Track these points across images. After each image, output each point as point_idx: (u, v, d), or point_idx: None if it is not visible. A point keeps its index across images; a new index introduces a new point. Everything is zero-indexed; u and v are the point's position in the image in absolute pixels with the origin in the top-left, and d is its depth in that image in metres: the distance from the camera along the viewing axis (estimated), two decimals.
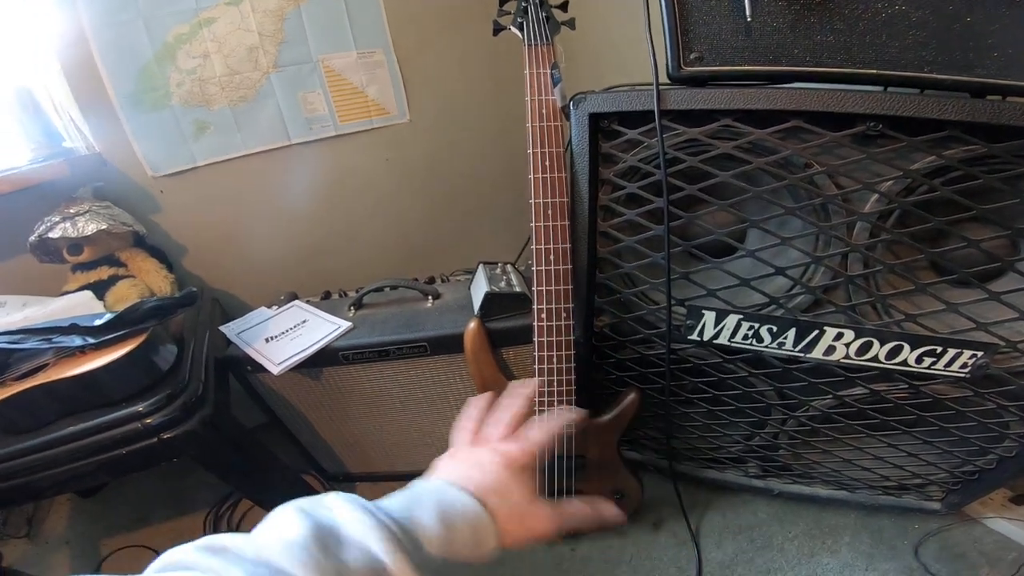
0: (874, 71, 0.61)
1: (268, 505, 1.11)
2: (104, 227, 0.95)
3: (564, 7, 0.79)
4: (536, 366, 0.80)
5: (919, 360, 0.71)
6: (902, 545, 0.96)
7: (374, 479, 1.22)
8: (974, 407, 0.76)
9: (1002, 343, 0.67)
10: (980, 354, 0.68)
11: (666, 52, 0.68)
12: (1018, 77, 0.57)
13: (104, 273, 1.00)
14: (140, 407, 0.73)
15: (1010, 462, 0.82)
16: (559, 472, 0.90)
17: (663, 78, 0.69)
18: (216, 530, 1.13)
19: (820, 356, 0.75)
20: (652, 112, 0.68)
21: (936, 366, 0.71)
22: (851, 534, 0.99)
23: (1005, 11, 0.55)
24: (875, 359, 0.73)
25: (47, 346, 0.75)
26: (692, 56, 0.67)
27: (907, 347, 0.70)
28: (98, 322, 0.76)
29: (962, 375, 0.71)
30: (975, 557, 0.93)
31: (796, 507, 1.05)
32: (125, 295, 0.97)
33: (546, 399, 0.83)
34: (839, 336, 0.72)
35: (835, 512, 1.03)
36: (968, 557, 0.93)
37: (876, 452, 0.89)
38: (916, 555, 0.94)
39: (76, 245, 0.98)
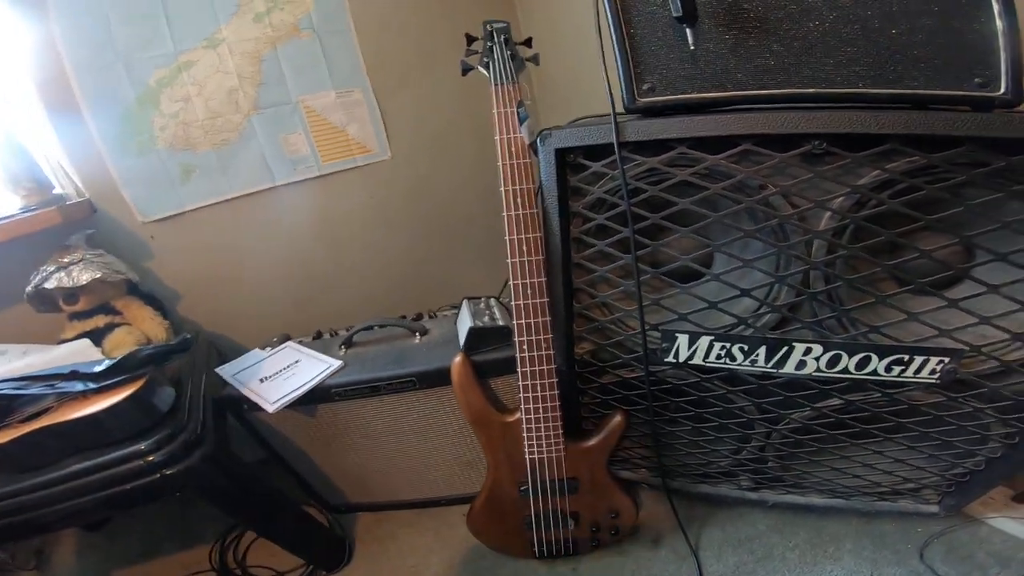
0: (812, 90, 0.66)
1: (272, 536, 1.18)
2: (98, 276, 1.02)
3: (528, 43, 0.85)
4: (521, 395, 0.86)
5: (888, 369, 0.75)
6: (906, 549, 0.98)
7: (375, 509, 1.27)
8: (951, 411, 0.79)
9: (966, 348, 0.71)
10: (947, 360, 0.72)
11: (620, 84, 0.73)
12: (946, 86, 0.61)
13: (100, 321, 1.07)
14: (142, 445, 0.79)
15: (998, 462, 0.85)
16: (552, 494, 0.95)
17: (621, 109, 0.75)
18: (222, 561, 1.18)
19: (793, 371, 0.79)
20: (613, 144, 0.73)
21: (906, 374, 0.75)
22: (853, 541, 1.01)
23: (926, 22, 0.60)
24: (846, 371, 0.77)
25: (50, 391, 0.82)
26: (645, 87, 0.73)
27: (875, 357, 0.74)
28: (98, 368, 0.83)
29: (933, 381, 0.75)
30: (983, 558, 0.94)
31: (795, 517, 1.08)
32: (122, 342, 1.04)
33: (534, 426, 0.88)
34: (808, 351, 0.77)
35: (835, 520, 1.05)
36: (976, 558, 0.94)
37: (863, 460, 0.93)
38: (921, 558, 0.95)
39: (72, 295, 1.04)
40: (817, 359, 0.77)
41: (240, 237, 1.30)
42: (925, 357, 0.72)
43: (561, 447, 0.90)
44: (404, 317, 1.17)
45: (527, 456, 0.91)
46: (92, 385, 0.81)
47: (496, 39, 0.80)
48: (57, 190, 1.12)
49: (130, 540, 1.29)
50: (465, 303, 1.09)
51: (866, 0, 0.62)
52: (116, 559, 1.24)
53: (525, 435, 0.89)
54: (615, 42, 0.72)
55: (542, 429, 0.88)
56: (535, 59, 0.85)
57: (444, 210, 1.54)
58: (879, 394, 0.80)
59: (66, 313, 1.06)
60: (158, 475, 0.80)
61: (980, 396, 0.77)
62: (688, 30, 0.67)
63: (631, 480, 1.14)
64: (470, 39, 0.83)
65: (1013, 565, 0.92)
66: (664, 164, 0.74)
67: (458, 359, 0.92)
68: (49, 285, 0.99)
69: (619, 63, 0.72)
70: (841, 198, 0.69)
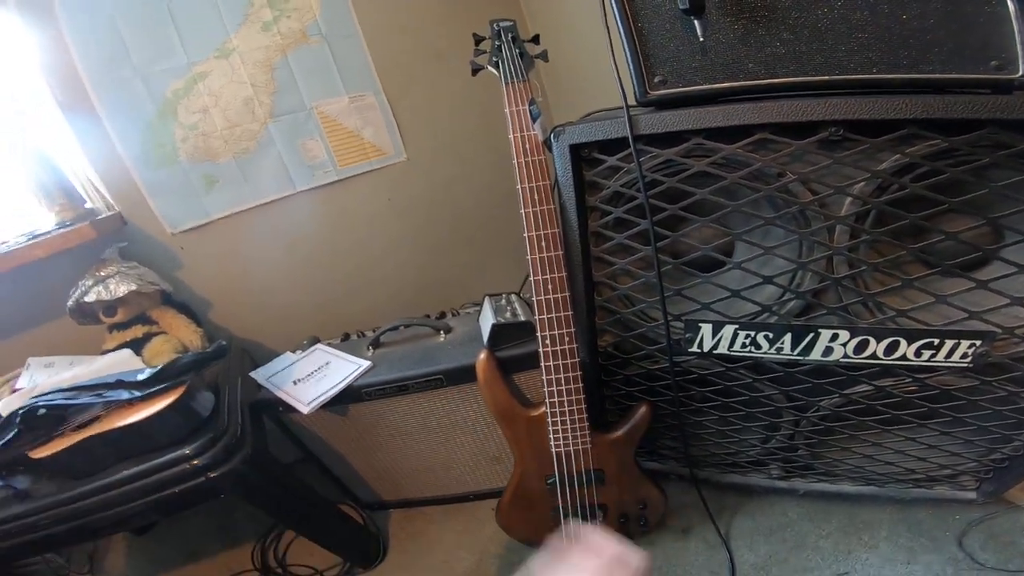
0: (825, 76, 0.67)
1: (310, 535, 1.23)
2: (134, 287, 1.08)
3: (536, 40, 0.86)
4: (545, 388, 0.88)
5: (918, 353, 0.75)
6: (943, 536, 0.98)
7: (406, 505, 1.32)
8: (985, 395, 0.79)
9: (999, 330, 0.71)
10: (979, 343, 0.72)
11: (631, 78, 0.75)
12: (963, 69, 0.61)
13: (139, 331, 1.13)
14: (187, 450, 0.84)
15: None
16: (579, 486, 0.98)
17: (633, 102, 0.76)
18: (264, 560, 1.25)
19: (819, 357, 0.80)
20: (627, 138, 0.75)
21: (936, 358, 0.75)
22: (888, 528, 1.02)
23: (936, 6, 0.60)
24: (874, 356, 0.77)
25: (98, 400, 0.88)
26: (656, 79, 0.74)
27: (904, 342, 0.75)
28: (141, 377, 0.89)
29: (965, 365, 0.75)
30: None
31: (827, 505, 1.08)
32: (160, 350, 1.10)
33: (559, 419, 0.91)
34: (835, 337, 0.78)
35: (869, 508, 1.06)
36: (1018, 545, 0.93)
37: (895, 446, 0.93)
38: (960, 545, 0.95)
39: (110, 307, 1.10)
40: (844, 345, 0.78)
41: (265, 244, 1.35)
42: (956, 340, 0.73)
43: (587, 439, 0.92)
44: (428, 316, 1.21)
45: (553, 449, 0.94)
46: (137, 393, 0.87)
47: (504, 38, 0.82)
48: (88, 204, 1.18)
49: (176, 543, 1.36)
50: (487, 300, 1.12)
51: None
52: (163, 562, 1.32)
53: (551, 428, 0.92)
54: (623, 36, 0.73)
55: (567, 422, 0.91)
56: (543, 56, 0.86)
57: (461, 208, 1.57)
58: (909, 379, 0.80)
59: (106, 325, 1.13)
60: (204, 478, 0.85)
61: (1015, 379, 0.77)
62: (696, 22, 0.68)
63: (659, 471, 1.17)
64: (478, 39, 0.85)
65: None
66: (680, 155, 0.75)
67: (483, 356, 0.96)
68: (89, 299, 1.05)
69: (628, 57, 0.74)
70: (862, 183, 0.69)
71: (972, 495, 0.98)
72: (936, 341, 0.74)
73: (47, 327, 1.18)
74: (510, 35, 0.83)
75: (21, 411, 0.85)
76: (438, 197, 1.52)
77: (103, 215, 1.17)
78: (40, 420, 0.86)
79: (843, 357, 0.79)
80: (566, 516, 1.02)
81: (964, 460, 0.92)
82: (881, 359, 0.77)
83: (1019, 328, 0.72)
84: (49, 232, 1.09)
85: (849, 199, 0.71)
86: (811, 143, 0.69)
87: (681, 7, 0.67)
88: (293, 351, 1.21)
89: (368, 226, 1.46)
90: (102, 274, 1.08)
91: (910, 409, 0.85)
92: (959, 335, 0.72)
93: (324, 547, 1.13)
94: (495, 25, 0.84)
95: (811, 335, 0.78)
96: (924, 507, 1.04)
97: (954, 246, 0.69)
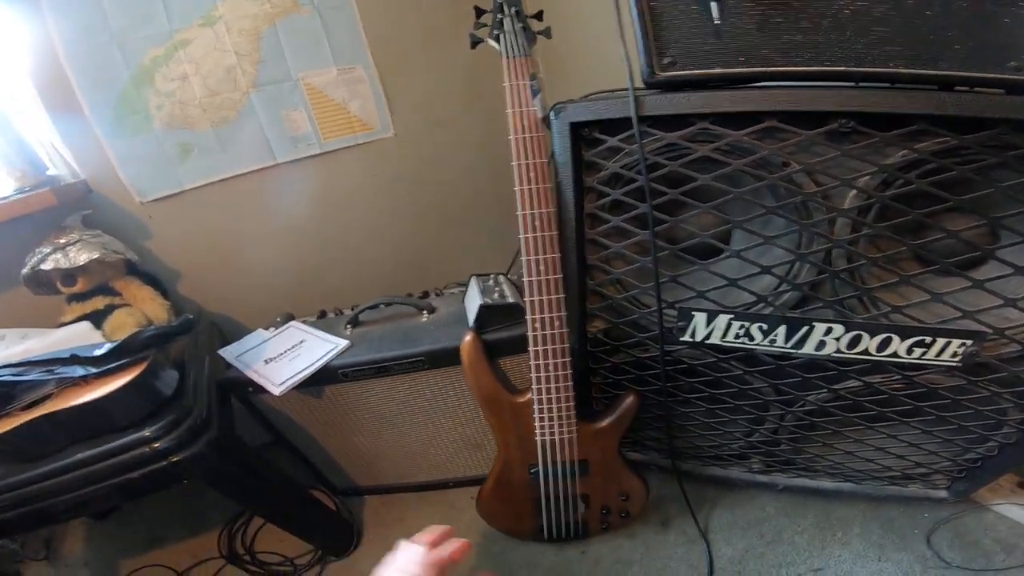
0: (842, 68, 0.65)
1: (280, 522, 1.17)
2: (96, 256, 1.00)
3: (539, 16, 0.82)
4: (533, 374, 0.85)
5: (909, 351, 0.74)
6: (913, 534, 0.99)
7: (382, 492, 1.27)
8: (969, 395, 0.79)
9: (990, 331, 0.71)
10: (969, 342, 0.71)
11: (640, 58, 0.71)
12: (981, 68, 0.59)
13: (100, 303, 1.05)
14: (147, 432, 0.78)
15: (1011, 448, 0.85)
16: (562, 477, 0.95)
17: (639, 83, 0.73)
18: (231, 547, 1.18)
19: (812, 351, 0.78)
20: (631, 118, 0.71)
21: (927, 356, 0.74)
22: (861, 525, 1.03)
23: (962, 4, 0.58)
24: (866, 352, 0.76)
25: (50, 377, 0.80)
26: (665, 61, 0.71)
27: (896, 339, 0.74)
28: (98, 352, 0.81)
29: (954, 364, 0.74)
30: (989, 544, 0.95)
31: (803, 500, 1.09)
32: (122, 324, 1.02)
33: (545, 407, 0.87)
34: (829, 331, 0.76)
35: (843, 504, 1.06)
36: (982, 544, 0.95)
37: (876, 443, 0.93)
38: (928, 543, 0.96)
39: (70, 276, 1.02)
40: (837, 339, 0.76)
41: (241, 216, 1.28)
42: (948, 339, 0.72)
43: (573, 428, 0.89)
44: (410, 295, 1.16)
45: (538, 438, 0.91)
46: (93, 370, 0.79)
47: (507, 11, 0.78)
48: (51, 171, 1.10)
49: (138, 528, 1.29)
50: (474, 280, 1.07)
51: None
52: (125, 547, 1.24)
53: (536, 416, 0.89)
54: (635, 16, 0.69)
55: (554, 410, 0.87)
56: (547, 32, 0.82)
57: (448, 187, 1.52)
58: (898, 376, 0.80)
59: (64, 295, 1.05)
60: (165, 462, 0.79)
61: (999, 380, 0.77)
62: (713, 4, 0.65)
63: (640, 461, 1.15)
64: (479, 11, 0.81)
65: (1018, 552, 0.93)
66: (684, 139, 0.72)
67: (468, 338, 0.91)
68: (46, 266, 0.97)
69: (639, 37, 0.70)
70: (867, 177, 0.67)
71: (943, 494, 0.99)
72: (928, 339, 0.73)
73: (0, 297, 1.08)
74: (513, 9, 0.79)
75: None
76: (424, 175, 1.47)
77: (66, 182, 1.09)
78: None
79: (835, 352, 0.77)
80: (548, 506, 0.99)
81: (940, 459, 0.93)
82: (873, 355, 0.76)
83: (1009, 329, 0.71)
84: (6, 197, 1.01)
85: (853, 192, 0.69)
86: (819, 134, 0.67)
87: None
88: (266, 328, 1.14)
89: (350, 201, 1.40)
90: (62, 241, 1.00)
91: (894, 406, 0.84)
92: (951, 334, 0.72)
93: (295, 535, 1.07)
94: None
95: (805, 328, 0.77)
96: (896, 505, 1.05)
97: (952, 244, 0.68)
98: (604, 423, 0.92)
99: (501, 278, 1.07)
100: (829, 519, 1.05)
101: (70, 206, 1.06)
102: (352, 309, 1.12)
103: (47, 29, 1.01)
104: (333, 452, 1.17)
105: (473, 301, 1.00)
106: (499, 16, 0.79)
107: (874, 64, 0.63)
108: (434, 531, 0.62)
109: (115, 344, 0.82)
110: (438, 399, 1.05)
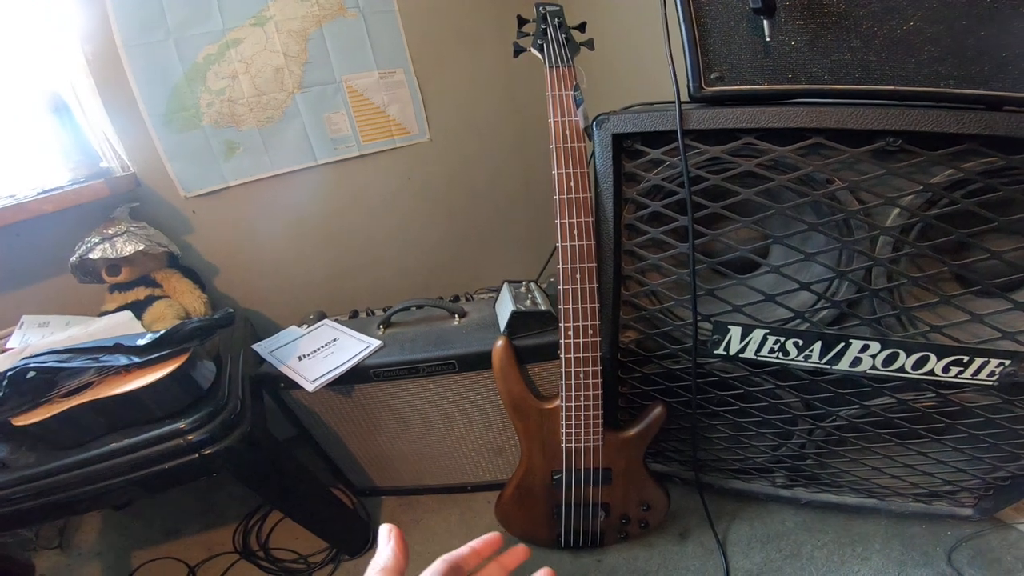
0: (891, 87, 0.64)
1: (299, 518, 1.14)
2: (141, 248, 1.01)
3: (582, 28, 0.82)
4: (563, 381, 0.84)
5: (946, 370, 0.73)
6: (934, 552, 0.97)
7: (400, 493, 1.26)
8: (1003, 414, 0.78)
9: None
10: (1007, 363, 0.70)
11: (687, 72, 0.71)
12: None
13: (141, 294, 1.06)
14: (182, 424, 0.77)
15: None
16: (585, 484, 0.94)
17: (684, 97, 0.72)
18: (245, 543, 1.18)
19: (847, 368, 0.77)
20: (675, 132, 0.71)
21: (963, 375, 0.73)
22: (881, 541, 1.01)
23: (1019, 25, 0.58)
24: (902, 369, 0.75)
25: (93, 365, 0.80)
26: (713, 76, 0.71)
27: (933, 357, 0.73)
28: (141, 342, 0.81)
29: (990, 383, 0.73)
30: (1011, 562, 0.93)
31: (824, 515, 1.07)
32: (162, 315, 1.03)
33: (573, 414, 0.86)
34: (865, 348, 0.75)
35: (864, 520, 1.05)
36: (1004, 562, 0.93)
37: (905, 460, 0.91)
38: (949, 561, 0.94)
39: (115, 266, 1.03)
40: (873, 357, 0.75)
41: (279, 214, 1.29)
42: (985, 359, 0.71)
43: (599, 436, 0.88)
44: (441, 299, 1.16)
45: (563, 444, 0.90)
46: (135, 359, 0.79)
47: (550, 22, 0.79)
48: (104, 163, 1.11)
49: (153, 520, 1.29)
50: (506, 286, 1.07)
51: (953, 2, 0.60)
52: (139, 539, 1.24)
53: (564, 423, 0.88)
54: (683, 31, 0.70)
55: (582, 418, 0.87)
56: (590, 44, 0.82)
57: (481, 193, 1.53)
58: (933, 394, 0.78)
59: (107, 284, 1.06)
60: (197, 455, 0.78)
61: None
62: (765, 22, 0.65)
63: (662, 472, 1.13)
64: (521, 21, 0.81)
65: None
66: (728, 153, 0.72)
67: (500, 343, 0.91)
68: (93, 255, 0.98)
69: (687, 51, 0.70)
70: (912, 196, 0.67)
71: (969, 512, 0.97)
72: (966, 359, 0.72)
73: (46, 284, 1.10)
74: (556, 19, 0.79)
75: (9, 373, 0.77)
76: (458, 180, 1.48)
77: (117, 174, 1.10)
78: (28, 384, 0.78)
79: (871, 368, 0.76)
80: (567, 512, 0.98)
81: (969, 477, 0.91)
82: (908, 373, 0.75)
83: None
84: (61, 188, 1.02)
85: (896, 211, 0.68)
86: (865, 152, 0.66)
87: (752, 6, 0.63)
88: (299, 325, 1.14)
89: (385, 204, 1.41)
90: (110, 232, 1.01)
91: (927, 424, 0.83)
92: (989, 354, 0.70)
93: (312, 531, 1.06)
94: (541, 8, 0.80)
95: (841, 345, 0.76)
96: (919, 522, 1.03)
97: (995, 265, 0.67)
98: (631, 432, 0.91)
99: (532, 285, 1.06)
100: (849, 535, 1.03)
101: (119, 197, 1.08)
102: (384, 310, 1.13)
103: (108, 22, 1.02)
104: (355, 451, 1.16)
105: (505, 307, 0.99)
106: (542, 26, 0.79)
107: (925, 84, 0.63)
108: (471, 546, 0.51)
109: (158, 334, 0.82)
110: (464, 403, 1.05)
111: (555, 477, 0.94)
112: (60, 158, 1.05)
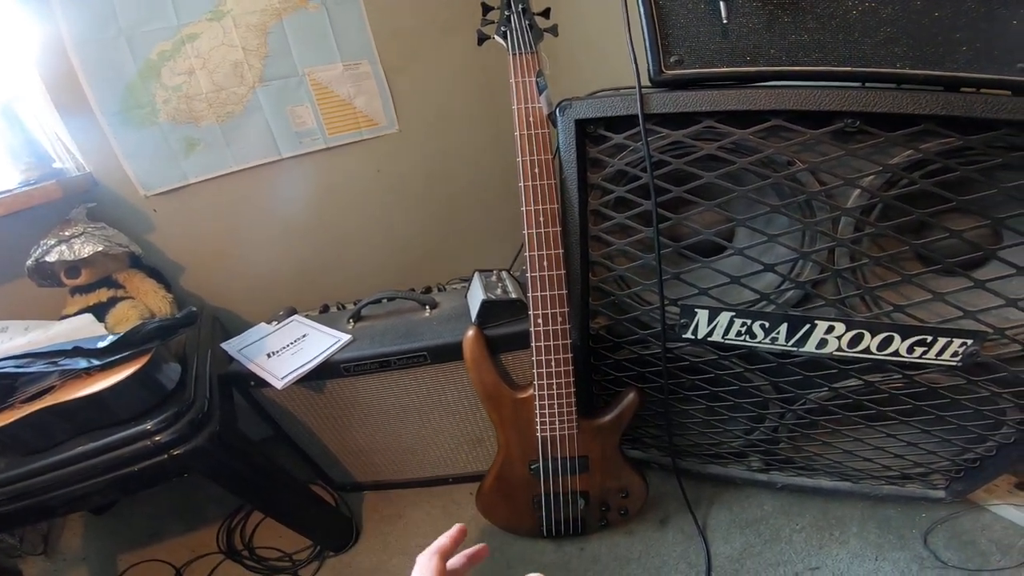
0: (849, 68, 0.64)
1: (279, 517, 1.15)
2: (100, 248, 0.99)
3: (546, 14, 0.82)
4: (535, 370, 0.84)
5: (910, 350, 0.74)
6: (910, 534, 0.99)
7: (381, 487, 1.26)
8: (968, 395, 0.79)
9: (990, 331, 0.71)
10: (970, 342, 0.72)
11: (647, 56, 0.71)
12: (987, 70, 0.59)
13: (103, 295, 1.04)
14: (148, 425, 0.77)
15: (1010, 448, 0.85)
16: (563, 473, 0.94)
17: (644, 81, 0.72)
18: (229, 542, 1.18)
19: (813, 350, 0.78)
20: (637, 116, 0.71)
21: (927, 355, 0.74)
22: (858, 524, 1.03)
23: (970, 5, 0.58)
24: (867, 350, 0.76)
25: (53, 369, 0.79)
26: (672, 59, 0.71)
27: (898, 337, 0.74)
28: (101, 344, 0.80)
29: (954, 363, 0.74)
30: (985, 544, 0.95)
31: (801, 499, 1.09)
32: (125, 316, 1.01)
33: (547, 402, 0.87)
34: (830, 329, 0.76)
35: (841, 503, 1.06)
36: (978, 544, 0.96)
37: (876, 442, 0.93)
38: (925, 543, 0.96)
39: (74, 268, 1.01)
40: (839, 338, 0.76)
41: (245, 210, 1.27)
42: (948, 339, 0.72)
43: (574, 424, 0.89)
44: (413, 290, 1.15)
45: (539, 434, 0.90)
46: (96, 362, 0.79)
47: (513, 8, 0.77)
48: (56, 164, 1.09)
49: (136, 523, 1.28)
50: (476, 275, 1.07)
51: None
52: (123, 542, 1.23)
53: (538, 412, 0.88)
54: (642, 14, 0.69)
55: (555, 406, 0.87)
56: (553, 30, 0.82)
57: (452, 183, 1.52)
58: (899, 375, 0.79)
59: (68, 288, 1.04)
60: (165, 456, 0.78)
61: (999, 380, 0.77)
62: (722, 3, 0.65)
63: (639, 459, 1.14)
64: (486, 8, 0.80)
65: (1014, 552, 0.93)
66: (689, 137, 0.72)
67: (471, 333, 0.91)
68: (50, 258, 0.96)
69: (646, 35, 0.70)
70: (871, 177, 0.67)
71: (941, 494, 0.99)
72: (929, 338, 0.73)
73: (2, 289, 1.08)
74: (520, 6, 0.78)
75: None
76: (428, 171, 1.47)
77: (72, 175, 1.08)
78: None
79: (836, 350, 0.77)
80: (547, 502, 0.99)
81: (939, 459, 0.93)
82: (874, 354, 0.76)
83: (1010, 329, 0.71)
84: (12, 190, 1.00)
85: (857, 191, 0.69)
86: (825, 133, 0.67)
87: None
88: (268, 322, 1.13)
89: (354, 197, 1.40)
90: (66, 234, 0.99)
91: (895, 405, 0.84)
92: (952, 333, 0.72)
93: (294, 529, 1.06)
94: None
95: (807, 326, 0.77)
96: (893, 504, 1.05)
97: (955, 244, 0.68)
98: (605, 419, 0.92)
99: (504, 274, 1.06)
100: (827, 518, 1.05)
101: (75, 199, 1.05)
102: (355, 304, 1.12)
103: (56, 22, 1.00)
104: (332, 447, 1.16)
105: (476, 296, 0.99)
106: (506, 13, 0.78)
107: (881, 64, 0.63)
108: (449, 535, 0.56)
109: (118, 336, 0.81)
110: (439, 394, 1.05)
111: (532, 467, 0.95)
112: (9, 160, 1.02)
